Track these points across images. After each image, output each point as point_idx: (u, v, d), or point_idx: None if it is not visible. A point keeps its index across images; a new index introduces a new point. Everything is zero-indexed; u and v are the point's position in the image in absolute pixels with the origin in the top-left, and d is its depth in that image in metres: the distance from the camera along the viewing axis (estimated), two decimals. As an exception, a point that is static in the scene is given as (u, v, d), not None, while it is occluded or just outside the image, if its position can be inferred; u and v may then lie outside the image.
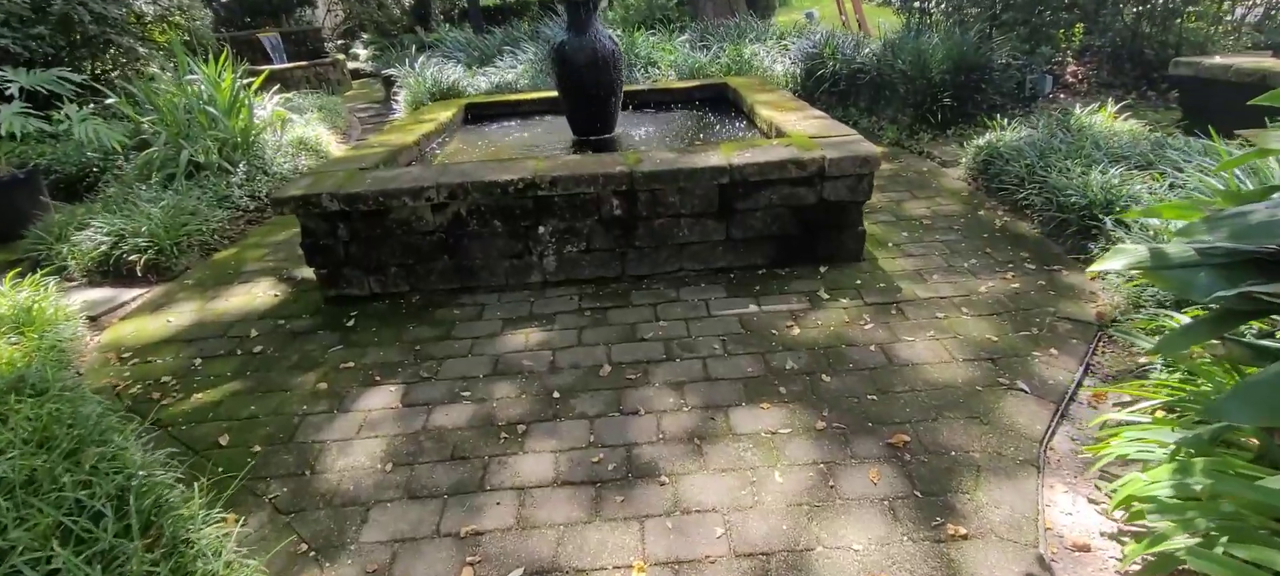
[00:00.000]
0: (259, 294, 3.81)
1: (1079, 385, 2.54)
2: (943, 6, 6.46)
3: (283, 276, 4.01)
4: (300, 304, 3.64)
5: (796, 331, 3.03)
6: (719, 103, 5.85)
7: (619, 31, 9.03)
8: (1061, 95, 5.82)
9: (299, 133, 6.47)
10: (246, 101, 5.75)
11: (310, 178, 3.57)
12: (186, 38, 7.90)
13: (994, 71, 5.36)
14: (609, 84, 4.58)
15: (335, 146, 7.09)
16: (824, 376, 2.68)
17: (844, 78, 6.44)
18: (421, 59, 8.20)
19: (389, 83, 9.03)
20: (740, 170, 3.34)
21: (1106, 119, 4.58)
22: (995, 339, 2.87)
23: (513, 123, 5.64)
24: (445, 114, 5.37)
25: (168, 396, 2.85)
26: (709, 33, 8.47)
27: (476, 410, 2.61)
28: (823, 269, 3.60)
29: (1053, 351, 2.75)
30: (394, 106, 8.12)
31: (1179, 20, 5.61)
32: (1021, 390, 2.53)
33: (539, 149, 4.68)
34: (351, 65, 13.30)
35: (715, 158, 3.42)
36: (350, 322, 3.38)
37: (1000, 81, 5.42)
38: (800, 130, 3.88)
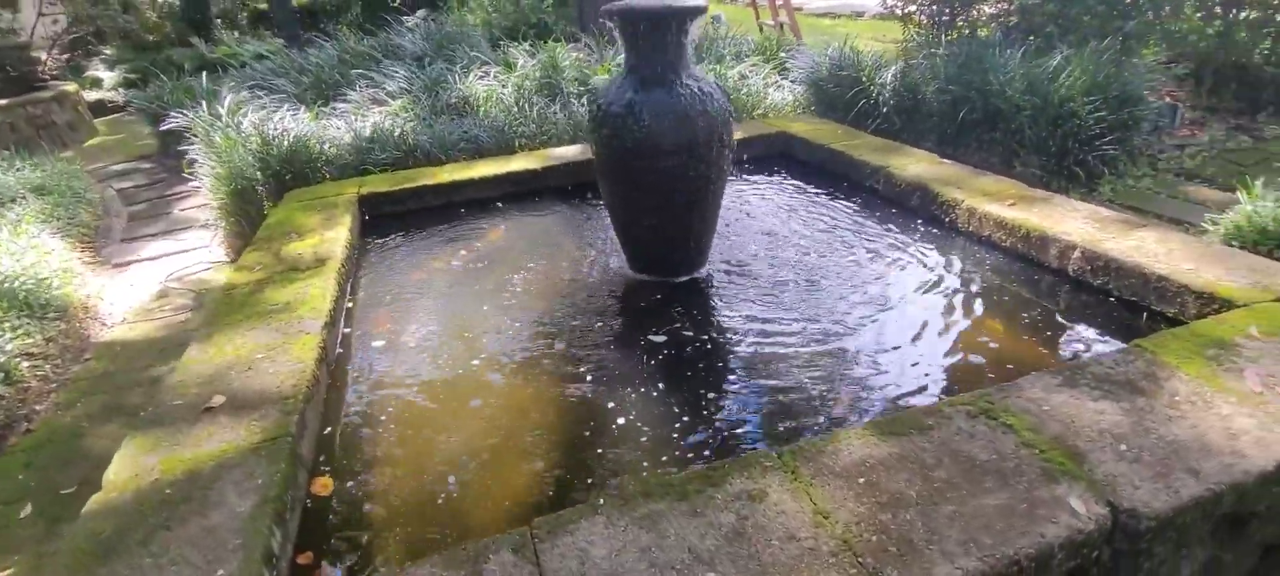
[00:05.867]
0: None
1: None
2: (1009, 14, 4.99)
3: None
4: None
5: None
6: (784, 163, 3.79)
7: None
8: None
9: (-6, 267, 3.26)
10: None
11: None
12: None
13: (1147, 104, 3.94)
14: (717, 180, 2.31)
15: (82, 276, 3.86)
16: None
17: (895, 109, 4.70)
18: (229, 97, 5.05)
19: (168, 134, 5.64)
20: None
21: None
22: None
23: (471, 238, 3.06)
24: (332, 237, 2.68)
25: None
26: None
27: None
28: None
29: None
30: (194, 178, 4.93)
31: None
32: None
33: (583, 329, 2.26)
34: (92, 95, 9.10)
35: None
36: None
37: (1153, 117, 4.02)
38: (1218, 277, 1.96)
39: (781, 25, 9.57)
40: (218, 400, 1.61)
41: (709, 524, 1.17)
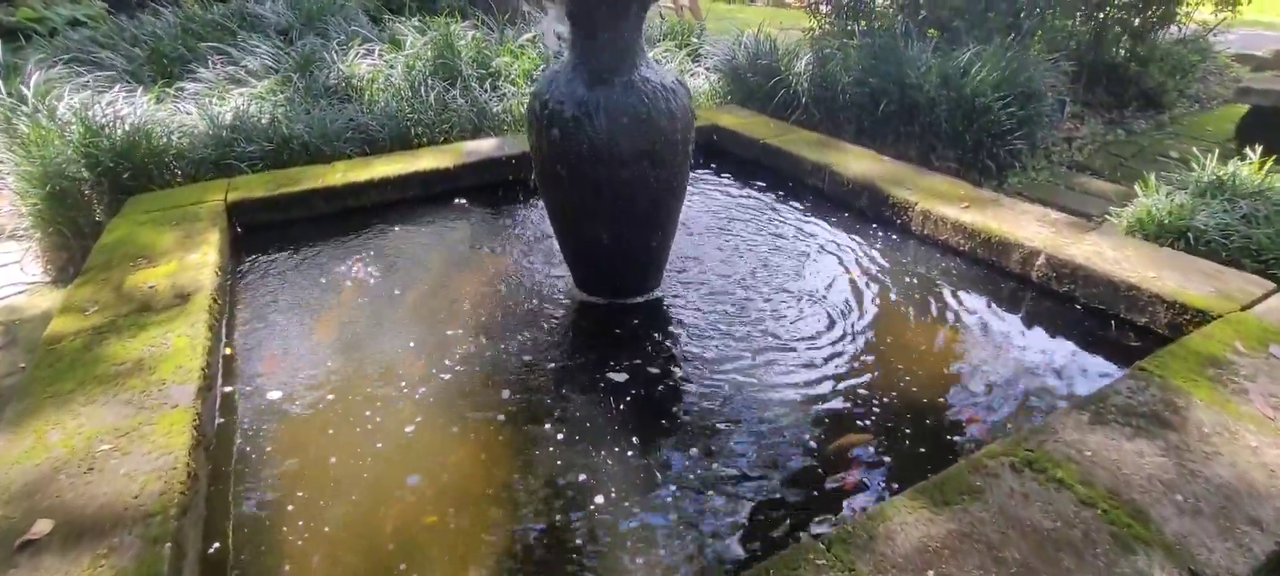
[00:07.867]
0: None
1: None
2: (918, 5, 5.07)
3: None
4: None
5: None
6: (716, 157, 3.59)
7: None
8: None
9: None
10: None
11: None
12: None
13: (1046, 99, 4.12)
14: (680, 189, 2.05)
15: None
16: None
17: (813, 99, 4.65)
18: (37, 73, 4.08)
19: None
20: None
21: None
22: None
23: (379, 256, 2.59)
24: (196, 260, 2.14)
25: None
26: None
27: None
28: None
29: None
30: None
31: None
32: None
33: (536, 369, 1.93)
34: None
35: None
36: None
37: (1049, 112, 4.22)
38: None
39: (682, 8, 9.43)
40: (42, 527, 1.14)
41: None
